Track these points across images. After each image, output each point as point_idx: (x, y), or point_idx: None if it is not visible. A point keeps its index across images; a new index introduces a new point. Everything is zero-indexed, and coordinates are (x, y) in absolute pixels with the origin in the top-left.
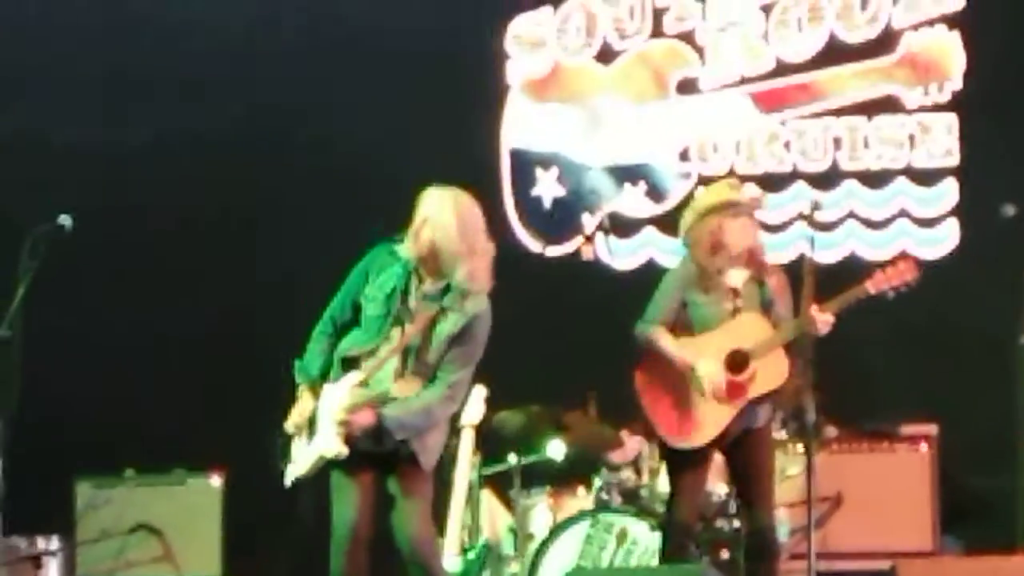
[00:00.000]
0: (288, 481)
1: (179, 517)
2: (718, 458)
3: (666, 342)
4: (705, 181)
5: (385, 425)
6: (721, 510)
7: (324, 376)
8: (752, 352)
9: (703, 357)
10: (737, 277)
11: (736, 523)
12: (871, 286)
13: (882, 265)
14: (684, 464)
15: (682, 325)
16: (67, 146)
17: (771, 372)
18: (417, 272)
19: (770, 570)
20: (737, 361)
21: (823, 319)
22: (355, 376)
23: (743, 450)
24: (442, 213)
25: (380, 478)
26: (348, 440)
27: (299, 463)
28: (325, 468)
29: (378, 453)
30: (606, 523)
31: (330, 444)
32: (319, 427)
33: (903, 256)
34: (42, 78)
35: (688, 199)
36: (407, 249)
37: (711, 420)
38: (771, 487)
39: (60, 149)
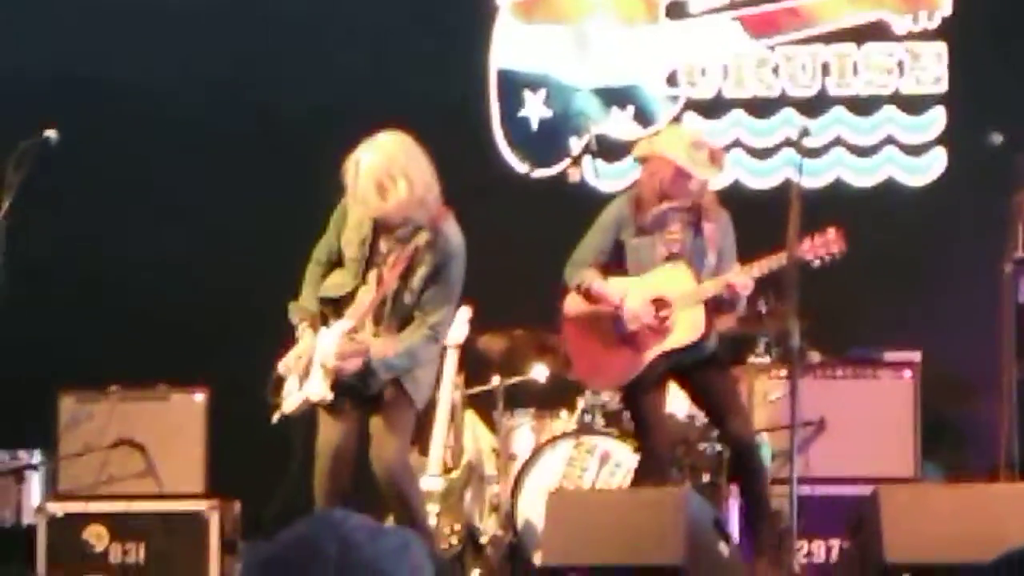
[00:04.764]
0: (275, 419)
1: (162, 433)
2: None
3: (598, 285)
4: (693, 106)
5: (372, 367)
6: (703, 434)
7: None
8: (674, 303)
9: (630, 296)
10: (674, 223)
11: (718, 447)
12: (797, 253)
13: (811, 233)
14: (638, 395)
15: (615, 265)
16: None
17: (688, 326)
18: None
19: (759, 482)
20: (659, 309)
21: (741, 282)
22: (345, 324)
23: (696, 376)
24: (394, 177)
25: (366, 408)
26: (335, 385)
27: (287, 402)
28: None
29: (366, 394)
30: (589, 445)
31: (317, 389)
32: (311, 370)
33: (834, 227)
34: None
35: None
36: (366, 212)
37: (623, 366)
38: (737, 401)
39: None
